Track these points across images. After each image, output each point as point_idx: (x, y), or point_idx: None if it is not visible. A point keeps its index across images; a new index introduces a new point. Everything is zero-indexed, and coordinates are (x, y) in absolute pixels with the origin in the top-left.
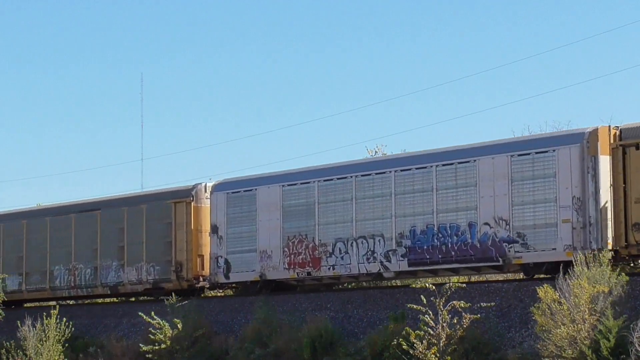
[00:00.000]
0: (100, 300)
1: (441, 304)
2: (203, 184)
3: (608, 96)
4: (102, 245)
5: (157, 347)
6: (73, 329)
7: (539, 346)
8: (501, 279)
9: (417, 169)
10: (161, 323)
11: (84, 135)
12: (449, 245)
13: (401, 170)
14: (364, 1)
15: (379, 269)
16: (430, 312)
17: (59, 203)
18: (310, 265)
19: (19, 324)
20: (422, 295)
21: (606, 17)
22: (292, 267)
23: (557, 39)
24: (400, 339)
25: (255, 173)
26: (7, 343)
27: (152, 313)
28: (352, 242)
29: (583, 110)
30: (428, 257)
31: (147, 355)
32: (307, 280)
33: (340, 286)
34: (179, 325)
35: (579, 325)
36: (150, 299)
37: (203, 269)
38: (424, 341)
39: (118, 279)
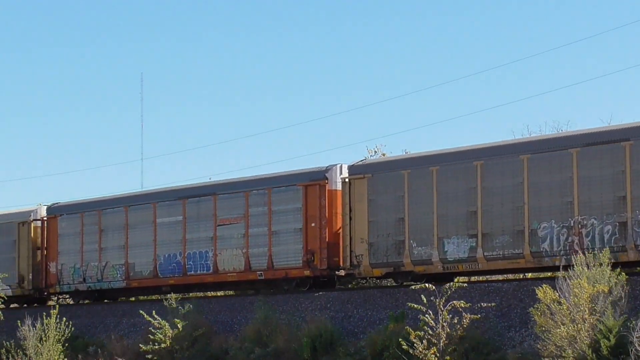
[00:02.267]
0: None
1: (441, 303)
2: None
3: (608, 96)
4: (635, 192)
5: (157, 347)
6: (73, 328)
7: (539, 346)
8: (501, 278)
9: None
10: (161, 323)
11: (84, 135)
12: None
13: None
14: (364, 1)
15: None
16: (431, 312)
17: (542, 135)
18: None
19: (19, 324)
20: (422, 295)
21: (606, 17)
22: None
23: (557, 39)
24: (400, 339)
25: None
26: (7, 343)
27: (154, 312)
28: None
29: (583, 110)
30: None
31: (147, 356)
32: None
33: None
34: (179, 325)
35: (579, 325)
36: None
37: None
38: (424, 341)
39: None
